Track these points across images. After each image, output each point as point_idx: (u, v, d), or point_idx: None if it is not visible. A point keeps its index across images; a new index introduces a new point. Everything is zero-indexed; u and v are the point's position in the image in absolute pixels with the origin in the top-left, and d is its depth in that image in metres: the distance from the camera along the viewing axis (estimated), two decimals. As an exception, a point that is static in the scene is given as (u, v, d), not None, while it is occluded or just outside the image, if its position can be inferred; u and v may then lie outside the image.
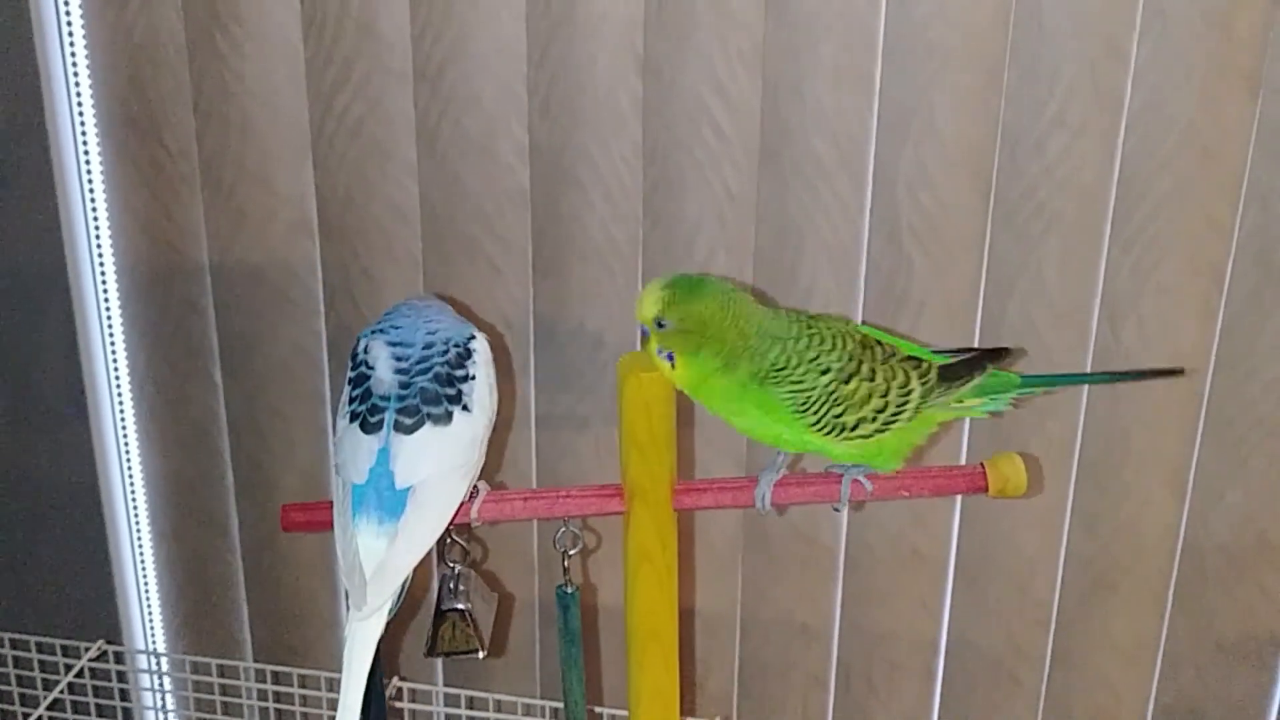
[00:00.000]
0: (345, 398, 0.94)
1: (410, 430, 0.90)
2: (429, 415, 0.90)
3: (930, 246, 1.14)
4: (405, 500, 0.89)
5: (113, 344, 1.36)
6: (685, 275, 0.91)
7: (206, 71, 1.23)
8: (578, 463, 1.29)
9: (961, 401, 0.97)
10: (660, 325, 0.90)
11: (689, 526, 1.30)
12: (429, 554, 0.93)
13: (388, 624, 0.92)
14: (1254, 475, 1.16)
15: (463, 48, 1.16)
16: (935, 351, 0.97)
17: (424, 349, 0.92)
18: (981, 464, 0.96)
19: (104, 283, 1.34)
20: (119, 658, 1.44)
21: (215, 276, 1.31)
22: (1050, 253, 1.13)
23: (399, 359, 0.92)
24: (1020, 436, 1.20)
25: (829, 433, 0.91)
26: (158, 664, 1.46)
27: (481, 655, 1.02)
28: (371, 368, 0.93)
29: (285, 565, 1.41)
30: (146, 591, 1.47)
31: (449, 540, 1.00)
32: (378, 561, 0.89)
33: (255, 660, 1.46)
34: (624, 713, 1.33)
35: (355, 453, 0.91)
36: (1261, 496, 1.17)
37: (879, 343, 0.95)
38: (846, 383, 0.91)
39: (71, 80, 1.26)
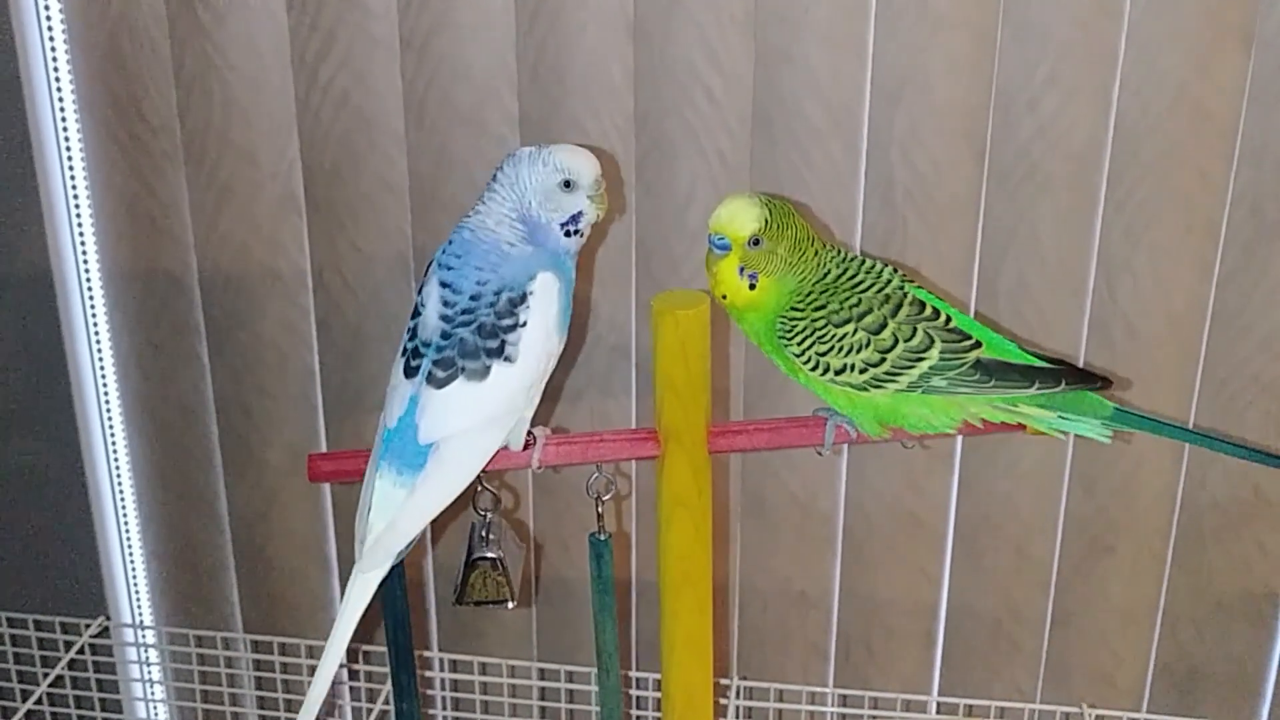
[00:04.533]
0: (406, 327, 0.93)
1: (441, 384, 0.88)
2: (463, 370, 0.88)
3: (924, 209, 1.14)
4: (427, 455, 0.88)
5: (95, 324, 1.34)
6: (766, 195, 0.91)
7: (187, 43, 1.20)
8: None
9: (1016, 406, 0.93)
10: (755, 244, 0.89)
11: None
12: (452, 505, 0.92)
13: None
14: (1250, 431, 1.17)
15: (449, 15, 1.14)
16: (1029, 352, 0.93)
17: (471, 298, 0.89)
18: None
19: (86, 262, 1.31)
20: (118, 634, 1.43)
21: (200, 254, 1.28)
22: (1044, 213, 1.13)
23: (446, 304, 0.89)
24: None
25: (813, 369, 0.91)
26: (160, 639, 1.44)
27: (511, 605, 1.02)
28: (424, 305, 0.91)
29: (275, 544, 1.39)
30: (134, 573, 1.45)
31: (479, 487, 0.99)
32: (391, 514, 0.88)
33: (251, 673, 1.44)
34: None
35: (392, 395, 0.90)
36: (1258, 453, 1.17)
37: (921, 303, 0.92)
38: (841, 325, 0.90)
39: (49, 54, 1.23)
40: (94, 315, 1.33)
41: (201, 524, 1.41)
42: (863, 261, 0.94)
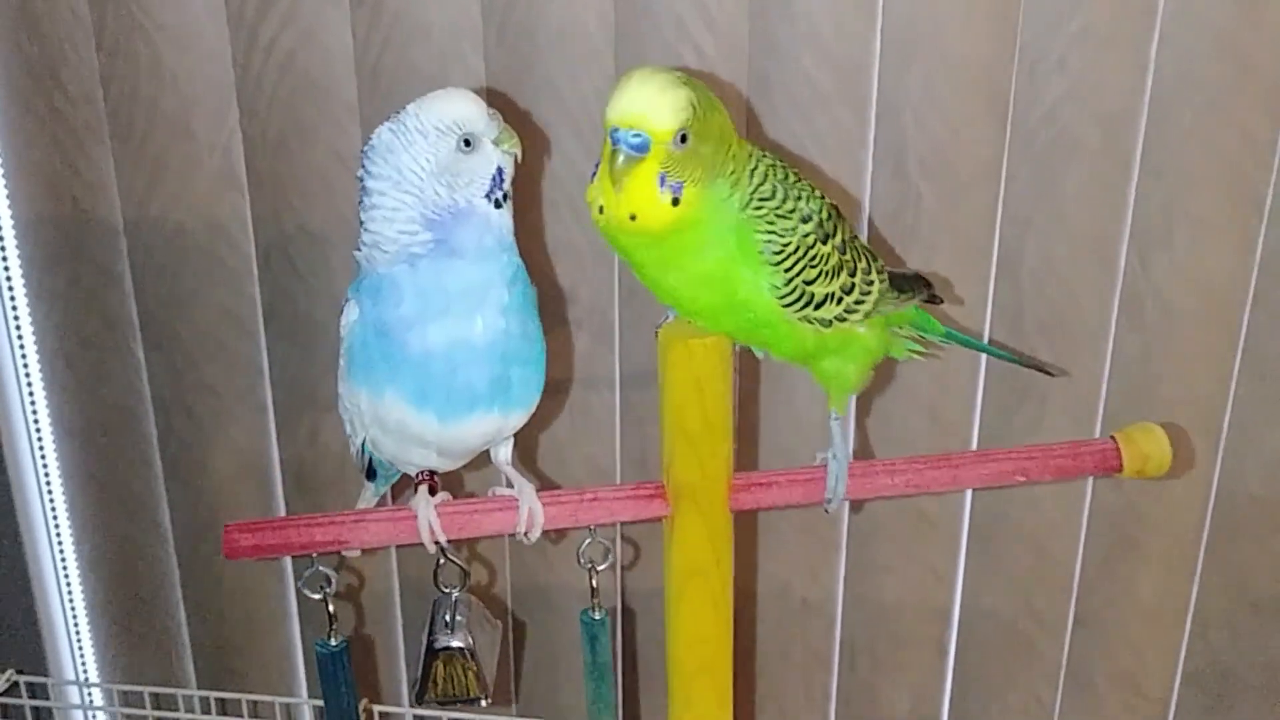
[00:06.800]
0: None
1: None
2: None
3: (940, 179, 1.05)
4: None
5: (16, 318, 1.22)
6: (673, 70, 0.70)
7: (110, 2, 1.08)
8: (550, 456, 1.17)
9: (901, 328, 0.85)
10: (683, 141, 0.68)
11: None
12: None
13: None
14: (1295, 420, 1.08)
15: (406, -34, 1.03)
16: None
17: None
18: (1113, 437, 0.84)
19: (3, 249, 1.19)
20: (34, 690, 1.26)
21: (131, 238, 1.17)
22: (1072, 182, 1.04)
23: None
24: (1038, 383, 1.10)
25: (793, 301, 0.73)
26: (83, 696, 1.30)
27: (485, 703, 0.87)
28: None
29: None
30: (71, 593, 1.33)
31: (442, 559, 0.84)
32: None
33: (199, 683, 1.33)
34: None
35: None
36: (1302, 442, 1.09)
37: (837, 208, 0.79)
38: (824, 243, 0.74)
39: (-49, 16, 1.10)
40: (14, 308, 1.22)
41: (142, 536, 1.30)
42: (764, 154, 0.76)
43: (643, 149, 0.68)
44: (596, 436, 1.17)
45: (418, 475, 0.83)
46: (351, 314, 0.78)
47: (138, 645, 1.34)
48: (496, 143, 0.75)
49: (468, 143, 0.74)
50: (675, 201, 0.69)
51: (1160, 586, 1.17)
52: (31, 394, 1.25)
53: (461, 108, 0.74)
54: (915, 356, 0.88)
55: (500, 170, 0.75)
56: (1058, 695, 1.22)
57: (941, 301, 0.87)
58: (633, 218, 0.70)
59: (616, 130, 0.68)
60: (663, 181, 0.69)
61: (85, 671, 1.35)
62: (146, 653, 1.34)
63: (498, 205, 0.75)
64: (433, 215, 0.74)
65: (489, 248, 0.75)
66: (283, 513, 1.26)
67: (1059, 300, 1.07)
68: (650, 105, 0.67)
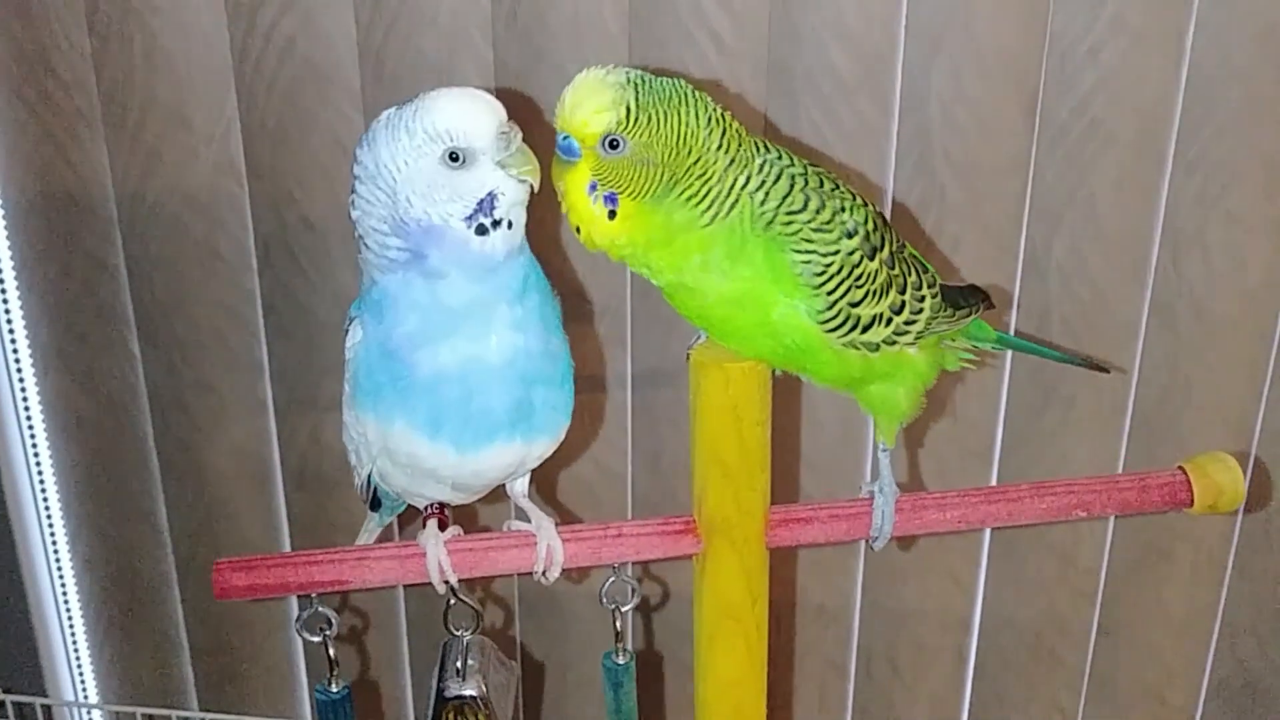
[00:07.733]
0: None
1: None
2: None
3: (966, 173, 1.02)
4: None
5: (7, 312, 1.18)
6: (639, 71, 0.64)
7: (103, -17, 1.05)
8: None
9: (954, 339, 0.80)
10: (612, 147, 0.63)
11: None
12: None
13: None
14: (1331, 425, 1.05)
15: (412, -52, 0.99)
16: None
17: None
18: (1182, 468, 0.78)
19: (-8, 241, 1.16)
20: (22, 710, 1.23)
21: (126, 229, 1.14)
22: (1104, 177, 1.01)
23: None
24: (1065, 384, 1.07)
25: (837, 326, 0.68)
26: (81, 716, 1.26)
27: None
28: None
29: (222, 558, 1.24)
30: (66, 597, 1.29)
31: (452, 600, 0.78)
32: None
33: (198, 686, 1.29)
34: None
35: None
36: (1338, 447, 1.06)
37: (884, 217, 0.73)
38: (870, 258, 0.68)
39: (-61, -2, 1.06)
40: (5, 302, 1.18)
41: (139, 538, 1.26)
42: (789, 159, 0.69)
43: (570, 154, 0.65)
44: (607, 438, 1.13)
45: (427, 508, 0.78)
46: (355, 335, 0.72)
47: (135, 649, 1.30)
48: (503, 165, 0.66)
49: (455, 157, 0.65)
50: (612, 214, 0.65)
51: (1187, 595, 1.14)
52: (24, 391, 1.21)
53: (460, 117, 0.65)
54: (969, 367, 0.83)
55: (492, 195, 0.66)
56: (1080, 705, 1.19)
57: (994, 307, 0.82)
58: (578, 230, 0.67)
59: (557, 134, 0.65)
60: (592, 189, 0.64)
61: (81, 675, 1.31)
62: (144, 656, 1.30)
63: (481, 231, 0.66)
64: (400, 222, 0.66)
65: (472, 270, 0.67)
66: (282, 512, 1.22)
67: (1088, 299, 1.04)
68: (574, 108, 0.64)
